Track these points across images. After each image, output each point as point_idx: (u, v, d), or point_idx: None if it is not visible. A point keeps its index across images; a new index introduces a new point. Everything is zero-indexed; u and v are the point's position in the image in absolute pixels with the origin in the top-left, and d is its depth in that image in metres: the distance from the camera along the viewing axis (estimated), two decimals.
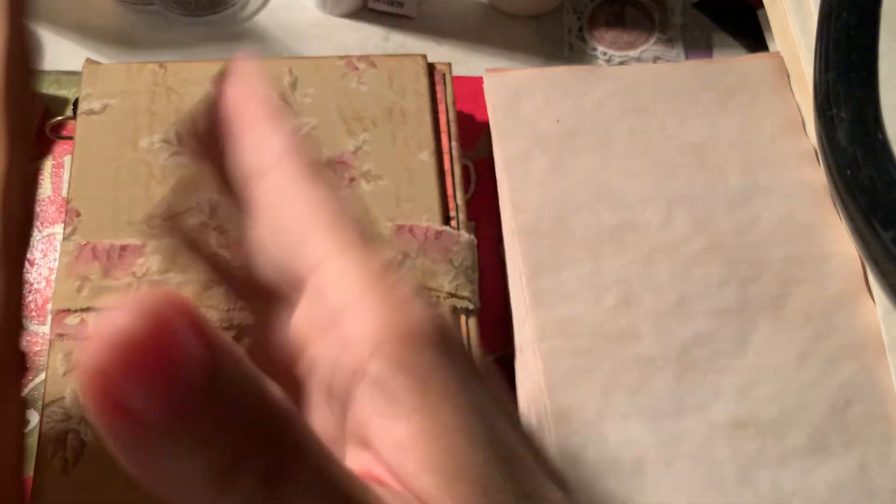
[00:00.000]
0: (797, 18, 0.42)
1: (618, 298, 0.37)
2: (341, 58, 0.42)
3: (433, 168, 0.40)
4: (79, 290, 0.36)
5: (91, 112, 0.40)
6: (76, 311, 0.35)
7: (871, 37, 0.37)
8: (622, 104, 0.43)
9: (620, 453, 0.34)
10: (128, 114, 0.40)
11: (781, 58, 0.44)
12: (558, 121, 0.42)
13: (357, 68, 0.42)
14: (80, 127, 0.40)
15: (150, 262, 0.36)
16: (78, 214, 0.38)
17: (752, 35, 0.46)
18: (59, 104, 0.45)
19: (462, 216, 0.39)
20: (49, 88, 0.45)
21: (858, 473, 0.34)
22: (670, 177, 0.41)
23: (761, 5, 0.45)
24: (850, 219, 0.37)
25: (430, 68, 0.43)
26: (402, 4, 0.48)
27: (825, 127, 0.38)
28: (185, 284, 0.30)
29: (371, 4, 0.48)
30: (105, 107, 0.40)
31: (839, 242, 0.39)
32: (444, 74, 0.43)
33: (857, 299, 0.38)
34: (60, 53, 0.47)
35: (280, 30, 0.48)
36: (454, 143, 0.41)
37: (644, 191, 0.40)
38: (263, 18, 0.49)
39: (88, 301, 0.36)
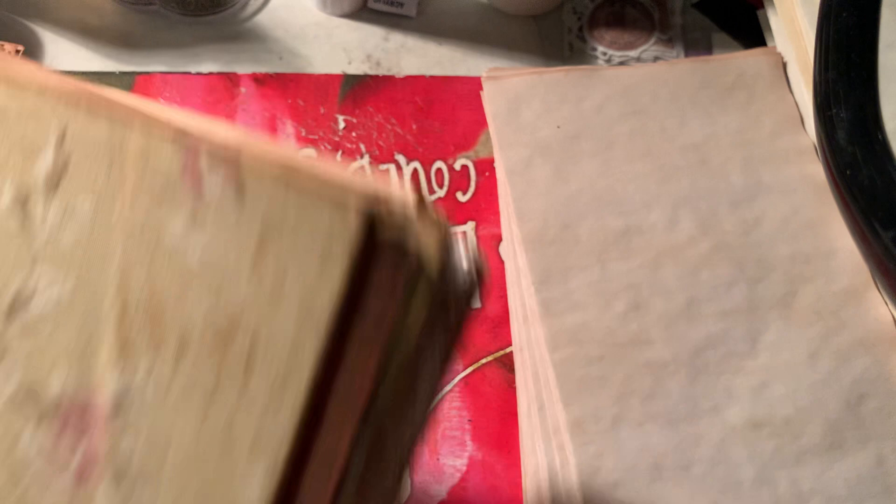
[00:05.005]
0: (806, 11, 0.42)
1: (627, 304, 0.37)
2: None
3: None
4: None
5: None
6: None
7: (871, 37, 0.38)
8: (621, 107, 0.42)
9: (637, 460, 0.34)
10: None
11: (777, 53, 0.44)
12: (558, 126, 0.42)
13: None
14: None
15: None
16: None
17: (752, 35, 0.47)
18: None
19: None
20: None
21: (876, 468, 0.34)
22: (673, 178, 0.41)
23: (761, 5, 0.45)
24: (850, 219, 0.37)
25: None
26: (402, 4, 0.48)
27: (825, 127, 0.38)
28: None
29: (371, 4, 0.48)
30: None
31: (844, 237, 0.39)
32: None
33: (865, 293, 0.38)
34: (60, 53, 0.46)
35: (280, 30, 0.48)
36: None
37: (648, 194, 0.40)
38: (263, 18, 0.48)
39: None
